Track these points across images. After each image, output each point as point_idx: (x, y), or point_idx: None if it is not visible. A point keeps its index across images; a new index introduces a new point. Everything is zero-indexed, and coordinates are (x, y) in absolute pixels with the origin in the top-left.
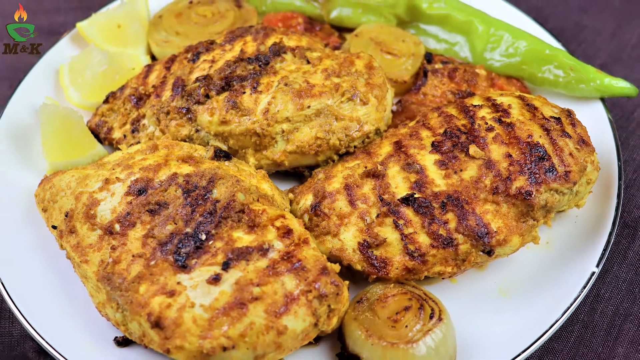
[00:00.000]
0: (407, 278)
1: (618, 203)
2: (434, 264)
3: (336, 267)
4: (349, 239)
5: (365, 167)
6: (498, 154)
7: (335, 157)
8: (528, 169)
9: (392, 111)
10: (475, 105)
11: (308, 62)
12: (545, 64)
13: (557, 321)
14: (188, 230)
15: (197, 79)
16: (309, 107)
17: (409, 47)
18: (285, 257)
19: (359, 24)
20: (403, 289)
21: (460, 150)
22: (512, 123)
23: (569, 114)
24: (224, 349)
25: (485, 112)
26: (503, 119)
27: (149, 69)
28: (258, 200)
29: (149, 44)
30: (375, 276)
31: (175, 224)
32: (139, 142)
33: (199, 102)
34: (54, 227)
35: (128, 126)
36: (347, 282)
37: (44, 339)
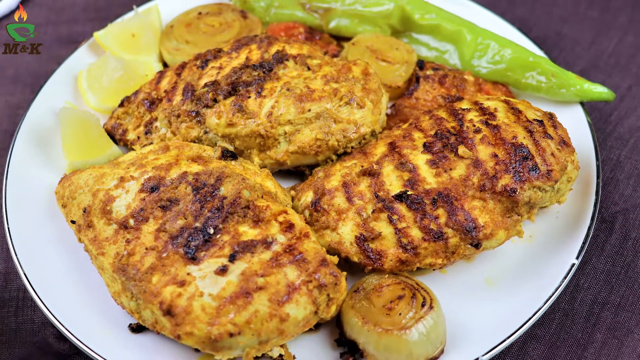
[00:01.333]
0: (401, 269)
1: (596, 199)
2: (426, 256)
3: (335, 259)
4: (346, 232)
5: (362, 166)
6: (485, 154)
7: (334, 157)
8: (513, 168)
9: (387, 114)
10: (463, 109)
11: (309, 69)
12: (529, 70)
13: (539, 309)
14: (197, 224)
15: (205, 85)
16: (309, 110)
17: (402, 55)
18: (287, 250)
19: (356, 34)
20: (397, 279)
21: (450, 151)
22: (498, 125)
23: (551, 116)
24: (231, 335)
25: (473, 115)
26: (489, 122)
27: (160, 75)
28: (262, 197)
29: (160, 52)
30: (371, 267)
31: (185, 219)
32: (151, 143)
33: (207, 106)
34: (73, 222)
35: (141, 128)
36: (345, 273)
37: (63, 326)
